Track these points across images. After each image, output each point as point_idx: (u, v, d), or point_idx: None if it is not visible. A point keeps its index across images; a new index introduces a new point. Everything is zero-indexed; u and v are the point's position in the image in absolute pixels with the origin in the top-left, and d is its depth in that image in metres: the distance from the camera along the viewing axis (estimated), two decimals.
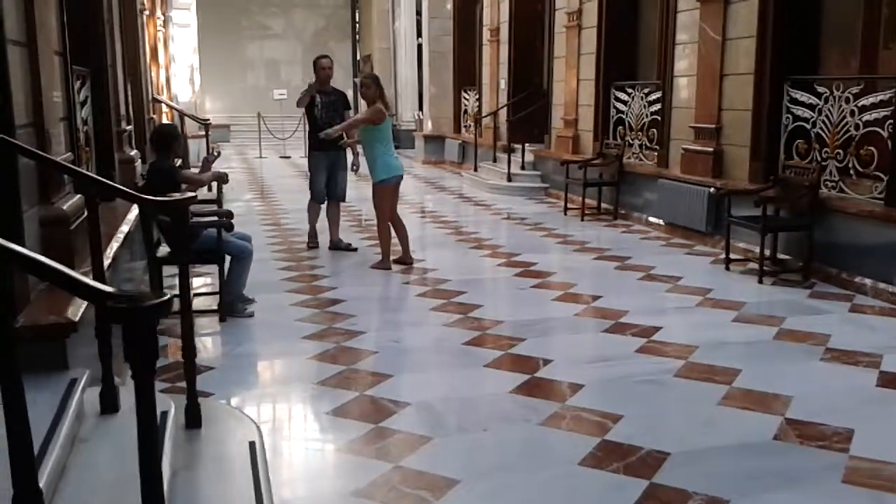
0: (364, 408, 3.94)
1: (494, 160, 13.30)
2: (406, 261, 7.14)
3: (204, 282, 6.50)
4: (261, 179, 15.05)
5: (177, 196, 3.44)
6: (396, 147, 7.44)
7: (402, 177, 7.16)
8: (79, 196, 4.11)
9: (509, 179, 12.20)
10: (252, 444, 3.13)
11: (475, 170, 13.80)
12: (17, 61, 3.32)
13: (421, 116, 19.46)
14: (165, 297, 1.61)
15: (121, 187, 3.29)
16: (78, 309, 3.12)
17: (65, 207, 3.75)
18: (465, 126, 16.23)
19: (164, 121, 12.58)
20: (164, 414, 3.04)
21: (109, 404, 3.08)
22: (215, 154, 6.90)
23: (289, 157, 19.62)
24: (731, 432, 3.67)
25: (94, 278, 3.11)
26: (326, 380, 4.32)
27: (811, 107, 6.77)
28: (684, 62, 8.52)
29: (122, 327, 1.60)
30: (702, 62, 8.05)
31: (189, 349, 3.28)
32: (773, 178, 6.89)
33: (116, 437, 2.95)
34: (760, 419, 3.78)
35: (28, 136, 3.44)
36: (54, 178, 3.76)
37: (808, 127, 6.81)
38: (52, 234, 3.51)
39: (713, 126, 7.91)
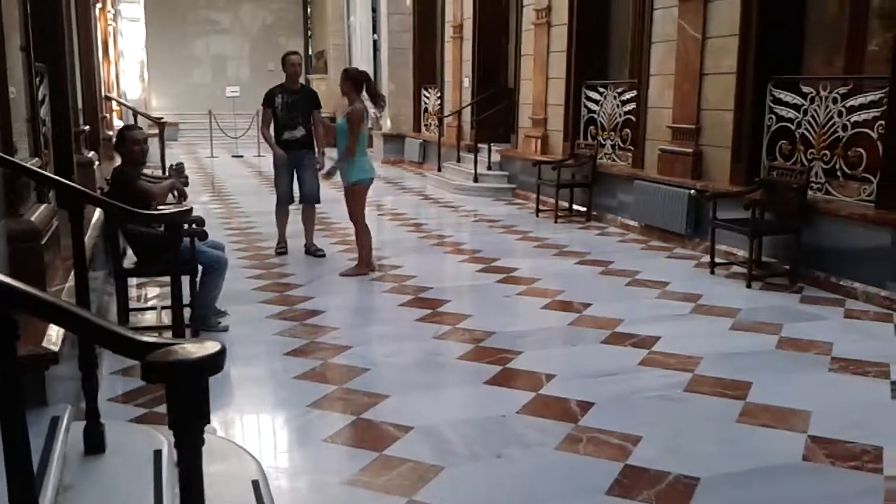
0: (364, 433, 3.66)
1: (458, 160, 13.05)
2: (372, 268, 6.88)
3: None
4: (216, 180, 14.54)
5: (173, 208, 3.11)
6: None
7: (373, 178, 6.91)
8: (45, 206, 3.74)
9: (475, 180, 11.96)
10: (255, 484, 2.83)
11: (439, 170, 13.53)
12: None
13: (378, 115, 19.10)
14: (218, 349, 1.32)
15: (117, 203, 2.95)
16: (58, 337, 2.78)
17: (33, 219, 3.38)
18: (426, 125, 15.95)
19: (116, 120, 12.03)
20: (158, 454, 2.72)
21: (95, 444, 2.74)
22: (182, 172, 6.33)
23: (241, 157, 19.11)
24: (757, 453, 3.48)
25: (79, 303, 2.78)
26: (318, 402, 4.02)
27: (796, 107, 6.67)
28: (661, 61, 8.38)
29: (165, 386, 1.30)
30: (680, 61, 7.92)
31: None
32: (758, 181, 6.77)
33: (105, 482, 2.62)
34: (784, 438, 3.61)
35: None
36: (20, 187, 3.40)
37: (793, 128, 6.71)
38: (23, 250, 3.14)
39: (692, 126, 7.78)
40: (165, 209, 3.15)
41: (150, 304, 6.04)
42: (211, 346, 1.33)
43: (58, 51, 5.58)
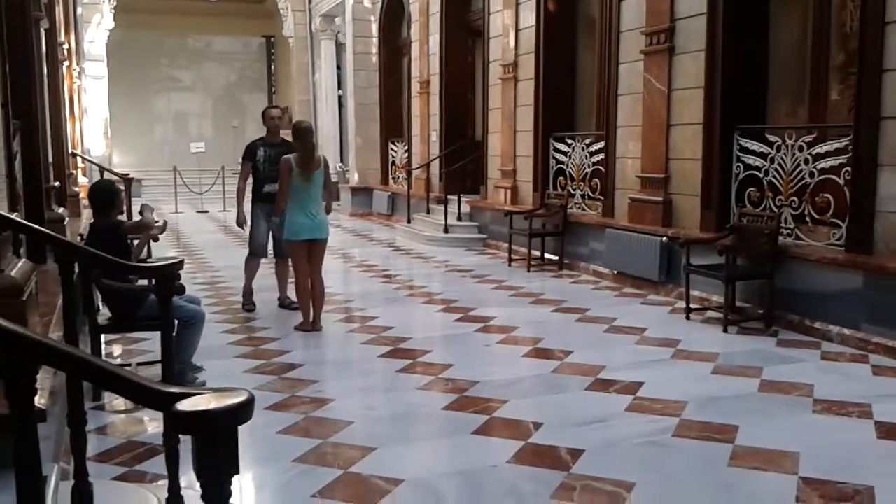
0: (354, 487, 3.58)
1: (428, 211, 13.11)
2: (314, 327, 6.61)
3: (143, 349, 5.99)
4: (182, 235, 14.42)
5: (165, 261, 3.07)
6: None
7: (313, 240, 6.57)
8: (24, 261, 3.67)
9: (446, 231, 12.00)
10: None
11: (408, 221, 13.56)
12: None
13: (342, 168, 19.18)
14: (246, 398, 1.29)
15: (113, 258, 2.89)
16: (44, 393, 2.70)
17: (14, 274, 3.30)
18: (394, 177, 16.04)
19: (81, 177, 11.91)
20: None
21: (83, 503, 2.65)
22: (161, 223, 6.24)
23: (206, 212, 19.00)
24: (752, 497, 3.48)
25: None
26: (304, 456, 3.93)
27: (762, 155, 6.82)
28: (628, 112, 8.54)
29: (193, 437, 1.26)
30: (647, 113, 8.08)
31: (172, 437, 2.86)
32: (729, 227, 6.88)
33: None
34: (776, 480, 3.61)
35: None
36: (1, 243, 3.33)
37: (760, 175, 6.86)
38: (4, 306, 3.05)
39: (661, 176, 7.92)
40: (154, 262, 3.10)
41: (118, 361, 5.90)
42: (239, 396, 1.30)
43: (31, 107, 5.54)
